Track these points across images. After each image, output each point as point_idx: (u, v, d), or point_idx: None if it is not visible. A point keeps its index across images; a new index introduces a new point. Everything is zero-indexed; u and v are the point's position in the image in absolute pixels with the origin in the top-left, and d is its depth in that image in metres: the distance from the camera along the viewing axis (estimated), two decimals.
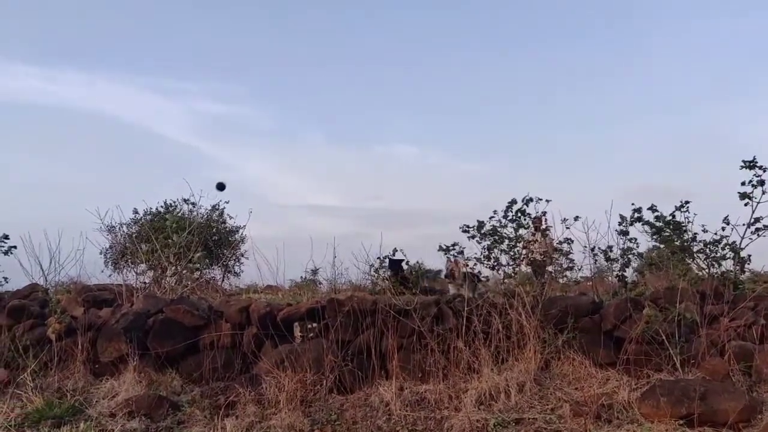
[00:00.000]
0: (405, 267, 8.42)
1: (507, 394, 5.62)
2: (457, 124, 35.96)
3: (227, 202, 11.80)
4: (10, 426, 4.99)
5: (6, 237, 7.93)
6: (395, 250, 8.37)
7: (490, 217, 7.25)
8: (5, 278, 8.12)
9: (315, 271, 11.27)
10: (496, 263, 7.18)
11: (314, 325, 6.70)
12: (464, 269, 8.50)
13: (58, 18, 31.66)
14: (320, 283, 11.39)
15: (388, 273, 8.55)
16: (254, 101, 35.85)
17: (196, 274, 10.08)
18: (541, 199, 7.18)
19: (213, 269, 12.16)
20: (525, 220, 7.22)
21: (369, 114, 36.41)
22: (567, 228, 7.20)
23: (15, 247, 8.02)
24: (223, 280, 12.04)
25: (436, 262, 9.21)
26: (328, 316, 6.63)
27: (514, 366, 6.09)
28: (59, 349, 6.92)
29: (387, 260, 8.55)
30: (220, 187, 9.57)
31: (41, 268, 8.43)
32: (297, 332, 6.71)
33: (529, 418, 5.24)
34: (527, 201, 7.24)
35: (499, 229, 7.18)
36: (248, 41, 34.58)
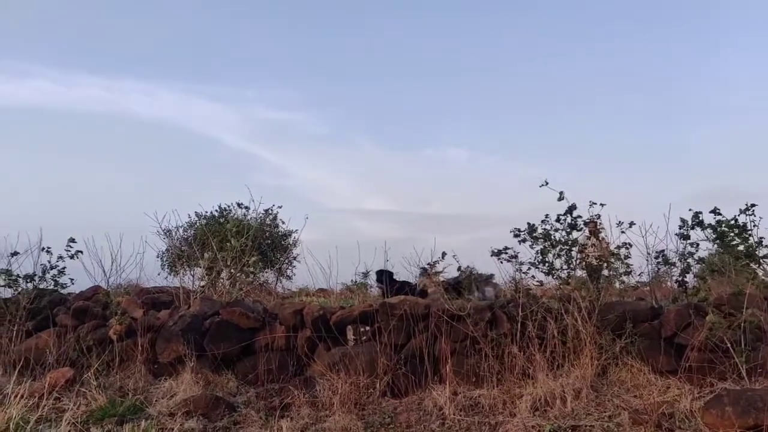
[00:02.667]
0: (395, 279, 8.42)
1: (563, 401, 5.51)
2: (511, 127, 35.53)
3: (280, 207, 11.99)
4: (77, 422, 5.15)
5: (72, 241, 8.21)
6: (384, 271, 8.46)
7: (542, 221, 7.13)
8: (71, 279, 8.41)
9: (366, 274, 11.30)
10: (550, 268, 7.05)
11: (367, 328, 6.73)
12: (437, 280, 8.38)
13: (118, 30, 32.71)
14: (371, 287, 11.42)
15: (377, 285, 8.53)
16: (308, 107, 36.22)
17: (251, 277, 10.25)
18: (595, 203, 7.02)
19: (266, 272, 12.34)
20: (579, 223, 7.06)
21: (420, 118, 36.31)
22: (623, 232, 7.02)
23: (81, 251, 8.29)
24: (276, 284, 12.19)
25: (489, 267, 9.08)
26: (381, 319, 6.64)
27: (570, 372, 5.98)
28: (120, 349, 7.14)
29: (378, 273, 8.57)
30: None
31: (103, 270, 8.71)
32: (350, 335, 6.74)
33: (586, 426, 5.12)
34: (571, 208, 7.09)
35: (552, 233, 7.06)
36: (302, 49, 35.00)
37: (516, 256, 7.12)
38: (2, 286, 8.21)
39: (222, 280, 9.57)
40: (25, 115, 30.32)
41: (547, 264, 7.02)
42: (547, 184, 7.01)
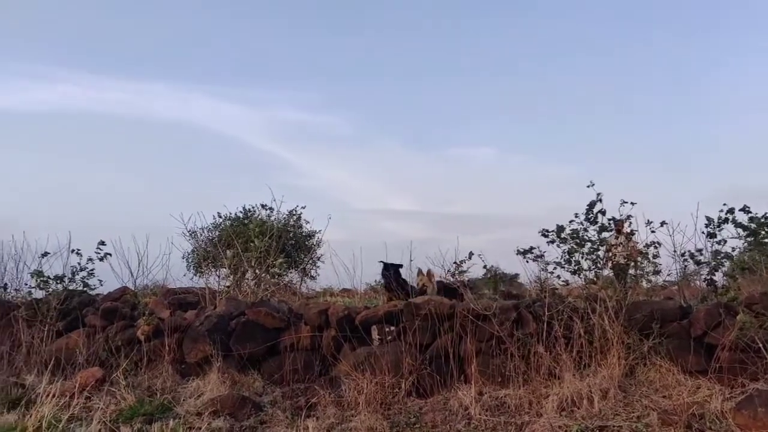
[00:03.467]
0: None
1: (590, 401, 5.46)
2: (536, 126, 35.31)
3: (303, 207, 12.05)
4: (107, 421, 5.23)
5: (102, 243, 8.35)
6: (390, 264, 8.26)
7: (571, 221, 7.06)
8: (100, 281, 8.55)
9: None
10: (577, 267, 6.98)
11: (392, 328, 6.73)
12: (435, 280, 8.18)
13: (145, 34, 33.20)
14: None
15: (383, 281, 8.37)
16: (333, 109, 36.48)
17: (276, 278, 10.32)
18: (626, 202, 6.92)
19: (290, 273, 12.41)
20: (607, 223, 6.98)
21: (445, 118, 36.29)
22: (652, 231, 6.92)
23: (110, 254, 8.42)
24: (301, 284, 12.25)
25: (513, 266, 9.02)
26: (406, 319, 6.64)
27: (597, 372, 5.91)
28: (148, 349, 7.24)
29: (384, 265, 8.30)
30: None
31: (130, 271, 8.84)
32: (375, 335, 6.75)
33: (613, 426, 5.07)
34: (593, 204, 7.01)
35: (580, 233, 6.98)
36: (325, 51, 35.19)
37: (542, 256, 7.07)
38: (34, 287, 8.39)
39: (247, 281, 9.65)
40: (53, 120, 30.88)
41: (573, 264, 6.96)
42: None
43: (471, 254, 7.76)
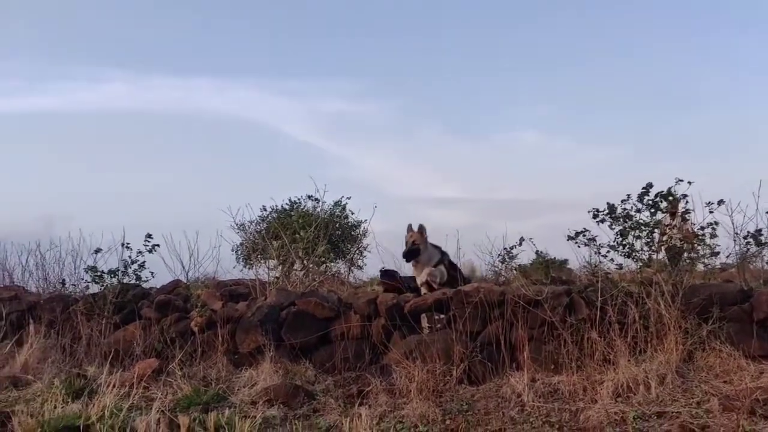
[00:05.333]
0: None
1: (647, 387, 5.34)
2: (585, 108, 34.46)
3: (349, 198, 12.07)
4: (165, 410, 5.35)
5: (149, 236, 8.53)
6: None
7: (623, 201, 6.89)
8: (152, 273, 8.75)
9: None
10: (630, 250, 6.81)
11: (441, 316, 6.70)
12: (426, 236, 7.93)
13: (190, 31, 33.75)
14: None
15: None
16: (375, 97, 36.36)
17: (323, 268, 10.39)
18: (681, 180, 6.71)
19: (337, 263, 12.47)
20: (663, 203, 6.77)
21: (489, 102, 35.74)
22: (710, 212, 6.69)
23: (158, 245, 8.61)
24: (348, 274, 12.31)
25: (562, 252, 8.85)
26: (455, 307, 6.60)
27: (654, 357, 5.77)
28: (202, 340, 7.37)
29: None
30: None
31: (182, 265, 9.05)
32: (424, 323, 6.73)
33: (672, 412, 4.95)
34: (651, 188, 6.81)
35: (633, 214, 6.80)
36: (366, 38, 35.14)
37: (594, 239, 6.93)
38: (89, 281, 8.64)
39: (295, 272, 9.74)
40: (101, 119, 31.67)
41: (627, 246, 6.80)
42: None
43: (521, 240, 7.67)
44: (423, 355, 6.19)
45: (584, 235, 7.05)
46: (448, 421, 5.21)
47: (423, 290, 7.63)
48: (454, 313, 6.55)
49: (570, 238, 7.06)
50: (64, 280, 9.36)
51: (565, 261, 10.63)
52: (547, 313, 6.18)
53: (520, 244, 7.91)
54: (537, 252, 8.03)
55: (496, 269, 8.92)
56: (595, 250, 6.99)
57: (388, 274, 8.18)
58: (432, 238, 8.07)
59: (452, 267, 8.03)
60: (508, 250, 8.06)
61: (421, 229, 8.00)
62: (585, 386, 5.55)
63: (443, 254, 8.10)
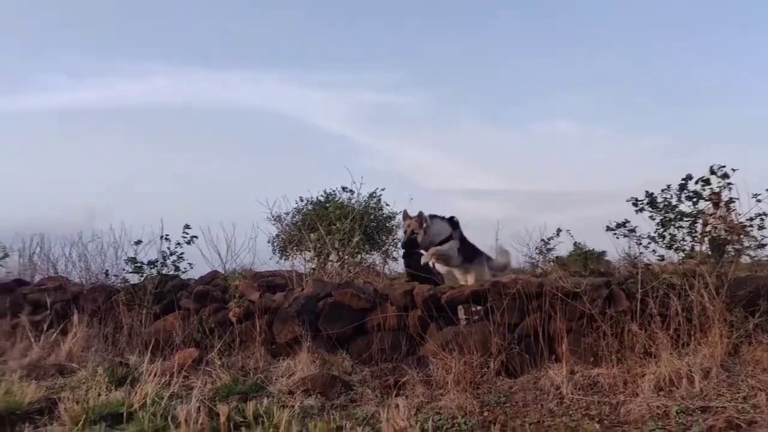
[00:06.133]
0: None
1: (690, 381, 5.23)
2: (624, 97, 33.69)
3: (383, 189, 12.05)
4: (204, 399, 5.43)
5: (188, 227, 8.66)
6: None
7: (663, 190, 6.74)
8: (190, 264, 8.89)
9: None
10: (671, 241, 6.67)
11: (478, 308, 6.65)
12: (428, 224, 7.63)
13: (229, 25, 34.07)
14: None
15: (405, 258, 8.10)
16: (412, 88, 36.13)
17: (358, 259, 10.41)
18: (723, 167, 6.53)
19: (372, 255, 12.47)
20: (706, 192, 6.61)
21: (527, 91, 35.22)
22: (758, 201, 6.49)
23: (196, 237, 8.74)
24: (384, 266, 12.30)
25: (601, 244, 8.70)
26: (492, 299, 6.55)
27: (697, 351, 5.64)
28: (240, 330, 7.45)
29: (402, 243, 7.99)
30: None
31: (219, 256, 9.16)
32: (461, 315, 6.69)
33: (717, 407, 4.83)
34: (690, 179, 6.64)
35: (674, 204, 6.65)
36: (403, 29, 35.00)
37: (634, 230, 6.80)
38: (130, 272, 8.81)
39: (331, 263, 9.78)
40: (141, 114, 32.14)
41: (668, 237, 6.66)
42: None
43: (559, 231, 7.59)
44: (460, 346, 6.17)
45: (624, 227, 6.93)
46: (486, 413, 5.19)
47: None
48: (492, 305, 6.51)
49: (609, 229, 6.95)
50: (107, 270, 9.55)
51: (604, 253, 10.48)
52: (586, 305, 6.10)
53: (558, 235, 7.83)
54: (575, 243, 7.93)
55: (534, 261, 8.85)
56: (635, 241, 6.86)
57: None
58: (467, 230, 8.00)
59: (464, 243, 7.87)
60: (546, 241, 7.97)
61: (420, 215, 7.81)
62: (626, 379, 5.47)
63: (454, 228, 7.91)
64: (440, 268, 7.86)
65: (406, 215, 7.98)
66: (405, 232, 7.90)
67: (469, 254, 7.85)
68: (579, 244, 7.85)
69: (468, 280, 7.70)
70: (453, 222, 7.93)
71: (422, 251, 7.84)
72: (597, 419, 4.91)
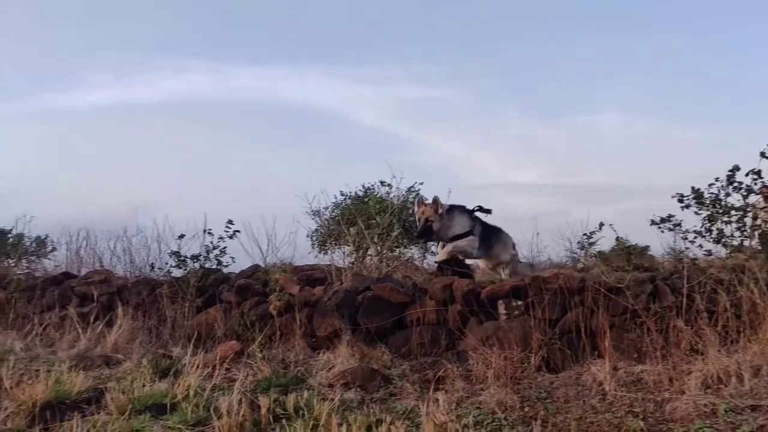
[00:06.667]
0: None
1: (739, 378, 5.07)
2: (670, 87, 32.82)
3: (422, 184, 12.01)
4: (246, 391, 5.49)
5: (230, 222, 8.79)
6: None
7: (710, 184, 6.57)
8: (232, 258, 9.02)
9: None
10: (719, 236, 6.50)
11: (519, 302, 6.59)
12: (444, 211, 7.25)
13: (269, 20, 34.35)
14: (518, 262, 11.19)
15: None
16: (454, 81, 35.76)
17: (396, 253, 10.41)
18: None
19: (411, 249, 12.44)
20: (757, 184, 6.40)
21: (569, 82, 34.63)
22: None
23: (238, 231, 8.87)
24: (423, 260, 12.27)
25: (645, 238, 8.50)
26: (533, 293, 6.48)
27: (747, 348, 5.46)
28: (280, 324, 7.52)
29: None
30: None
31: (260, 250, 9.29)
32: (501, 310, 6.64)
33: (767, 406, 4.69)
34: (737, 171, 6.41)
35: (722, 198, 6.47)
36: (446, 21, 34.75)
37: (679, 225, 6.64)
38: (173, 266, 8.98)
39: (370, 257, 9.81)
40: (183, 109, 32.63)
41: (715, 232, 6.48)
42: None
43: (601, 225, 7.45)
44: (500, 341, 6.12)
45: (669, 221, 6.77)
46: (526, 408, 5.12)
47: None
48: (533, 300, 6.44)
49: (654, 223, 6.80)
50: (152, 263, 9.77)
51: (647, 247, 10.27)
52: (630, 301, 5.98)
53: (600, 230, 7.70)
54: (617, 238, 7.77)
55: (575, 255, 8.72)
56: (681, 235, 6.70)
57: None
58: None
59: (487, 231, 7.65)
60: (588, 236, 7.85)
61: (436, 201, 7.52)
62: (671, 376, 5.34)
63: (474, 219, 7.67)
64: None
65: (420, 201, 7.76)
66: (419, 219, 7.63)
67: (491, 242, 7.65)
68: (622, 238, 7.69)
69: (490, 266, 7.51)
70: (473, 215, 7.69)
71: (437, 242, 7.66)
72: (641, 417, 4.79)
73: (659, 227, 6.79)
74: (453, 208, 7.74)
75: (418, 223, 7.64)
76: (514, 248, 8.35)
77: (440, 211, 7.47)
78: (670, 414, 4.78)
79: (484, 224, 7.87)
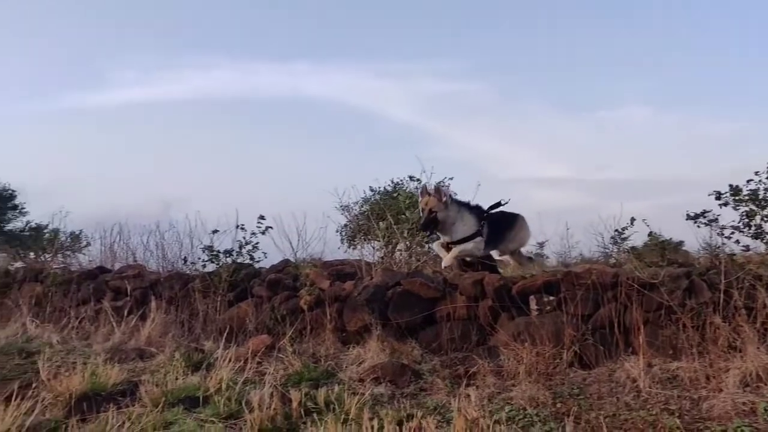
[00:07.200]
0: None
1: None
2: (698, 80, 32.19)
3: (451, 179, 11.95)
4: (277, 385, 5.52)
5: (262, 218, 8.85)
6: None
7: (749, 180, 6.42)
8: (264, 254, 9.09)
9: (542, 245, 11.00)
10: (757, 231, 6.34)
11: (551, 298, 6.51)
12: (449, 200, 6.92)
13: (289, 16, 34.52)
14: (547, 257, 11.10)
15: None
16: (479, 76, 35.78)
17: (426, 248, 10.39)
18: None
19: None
20: None
21: (596, 76, 34.22)
22: None
23: (271, 227, 8.94)
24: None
25: (676, 233, 8.35)
26: (565, 289, 6.39)
27: None
28: (310, 318, 7.55)
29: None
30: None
31: (291, 245, 9.35)
32: (533, 305, 6.57)
33: None
34: None
35: (760, 193, 6.32)
36: (463, 17, 34.59)
37: (716, 220, 6.50)
38: (206, 261, 9.07)
39: (400, 252, 9.80)
40: (210, 106, 33.02)
41: (753, 227, 6.33)
42: None
43: (633, 220, 7.32)
44: (532, 337, 6.06)
45: (705, 216, 6.64)
46: (558, 405, 5.07)
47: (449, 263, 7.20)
48: (564, 295, 6.35)
49: (690, 218, 6.66)
50: (185, 257, 9.90)
51: (681, 242, 10.10)
52: (664, 297, 5.87)
53: (632, 224, 7.58)
54: (650, 233, 7.64)
55: (607, 251, 8.60)
56: (717, 231, 6.56)
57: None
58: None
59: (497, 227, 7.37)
60: (620, 231, 7.73)
61: (439, 191, 7.23)
62: (708, 374, 5.23)
63: (481, 218, 7.40)
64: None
65: (424, 191, 7.45)
66: (422, 210, 7.31)
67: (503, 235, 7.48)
68: (655, 233, 7.56)
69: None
70: (482, 213, 7.44)
71: (442, 234, 7.35)
72: (677, 414, 4.70)
73: (695, 222, 6.65)
74: (462, 206, 7.48)
75: (421, 214, 7.33)
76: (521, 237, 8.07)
77: (444, 200, 7.19)
78: (707, 412, 4.69)
79: (493, 216, 7.68)
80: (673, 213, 6.94)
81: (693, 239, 7.52)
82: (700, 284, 5.98)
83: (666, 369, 5.52)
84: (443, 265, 7.21)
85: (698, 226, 6.68)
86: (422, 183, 7.57)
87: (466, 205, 7.53)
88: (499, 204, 7.76)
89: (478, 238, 7.29)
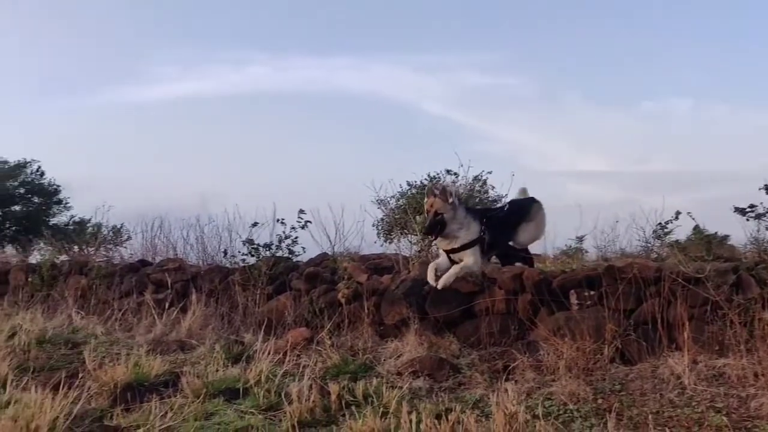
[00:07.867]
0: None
1: None
2: (742, 70, 31.26)
3: (489, 172, 11.85)
4: (316, 378, 5.57)
5: (302, 212, 8.92)
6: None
7: None
8: (303, 248, 9.16)
9: (581, 239, 10.82)
10: None
11: (591, 292, 6.40)
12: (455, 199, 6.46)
13: (325, 10, 34.64)
14: (586, 251, 10.92)
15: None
16: (516, 68, 35.40)
17: None
18: None
19: None
20: None
21: (637, 67, 33.50)
22: None
23: (310, 221, 8.98)
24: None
25: (720, 227, 8.13)
26: (607, 283, 6.28)
27: None
28: (348, 312, 7.58)
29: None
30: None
31: (329, 239, 9.38)
32: (573, 300, 6.46)
33: None
34: None
35: None
36: (500, 10, 34.22)
37: (765, 214, 6.32)
38: (246, 254, 9.18)
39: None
40: (247, 101, 33.33)
41: None
42: None
43: (678, 213, 7.16)
44: (572, 332, 5.97)
45: (753, 210, 6.46)
46: (600, 401, 4.99)
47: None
48: (606, 290, 6.24)
49: (738, 211, 6.49)
50: (226, 251, 10.04)
51: (727, 237, 9.85)
52: (710, 292, 5.71)
53: (676, 218, 7.41)
54: (695, 227, 7.47)
55: (649, 245, 8.44)
56: (766, 225, 6.38)
57: None
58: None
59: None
60: (663, 225, 7.57)
61: (445, 191, 6.75)
62: (756, 371, 5.08)
63: (482, 222, 6.88)
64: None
65: (429, 191, 7.03)
66: (427, 212, 6.85)
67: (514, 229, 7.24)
68: (700, 227, 7.38)
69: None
70: (485, 219, 6.99)
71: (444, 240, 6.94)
72: (724, 412, 4.58)
73: (744, 215, 6.47)
74: (467, 210, 7.04)
75: (426, 216, 6.86)
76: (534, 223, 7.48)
77: (451, 200, 6.70)
78: (756, 411, 4.56)
79: (499, 212, 7.46)
80: (715, 207, 6.76)
81: (737, 233, 7.30)
82: (747, 279, 5.81)
83: (712, 366, 5.38)
84: (439, 286, 6.77)
85: (747, 220, 6.49)
86: (431, 183, 7.16)
87: (471, 210, 7.18)
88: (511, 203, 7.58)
89: (475, 248, 6.81)
